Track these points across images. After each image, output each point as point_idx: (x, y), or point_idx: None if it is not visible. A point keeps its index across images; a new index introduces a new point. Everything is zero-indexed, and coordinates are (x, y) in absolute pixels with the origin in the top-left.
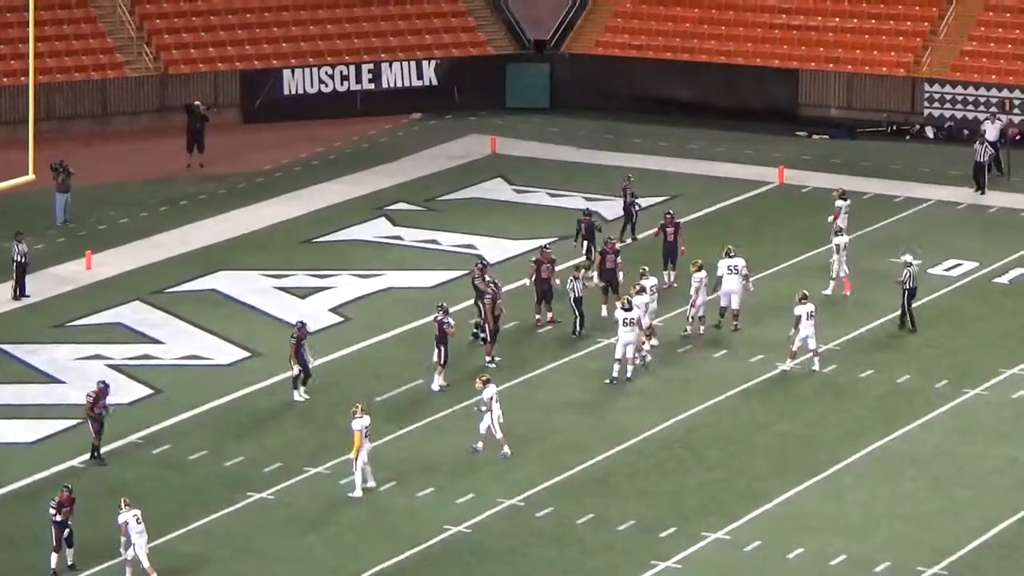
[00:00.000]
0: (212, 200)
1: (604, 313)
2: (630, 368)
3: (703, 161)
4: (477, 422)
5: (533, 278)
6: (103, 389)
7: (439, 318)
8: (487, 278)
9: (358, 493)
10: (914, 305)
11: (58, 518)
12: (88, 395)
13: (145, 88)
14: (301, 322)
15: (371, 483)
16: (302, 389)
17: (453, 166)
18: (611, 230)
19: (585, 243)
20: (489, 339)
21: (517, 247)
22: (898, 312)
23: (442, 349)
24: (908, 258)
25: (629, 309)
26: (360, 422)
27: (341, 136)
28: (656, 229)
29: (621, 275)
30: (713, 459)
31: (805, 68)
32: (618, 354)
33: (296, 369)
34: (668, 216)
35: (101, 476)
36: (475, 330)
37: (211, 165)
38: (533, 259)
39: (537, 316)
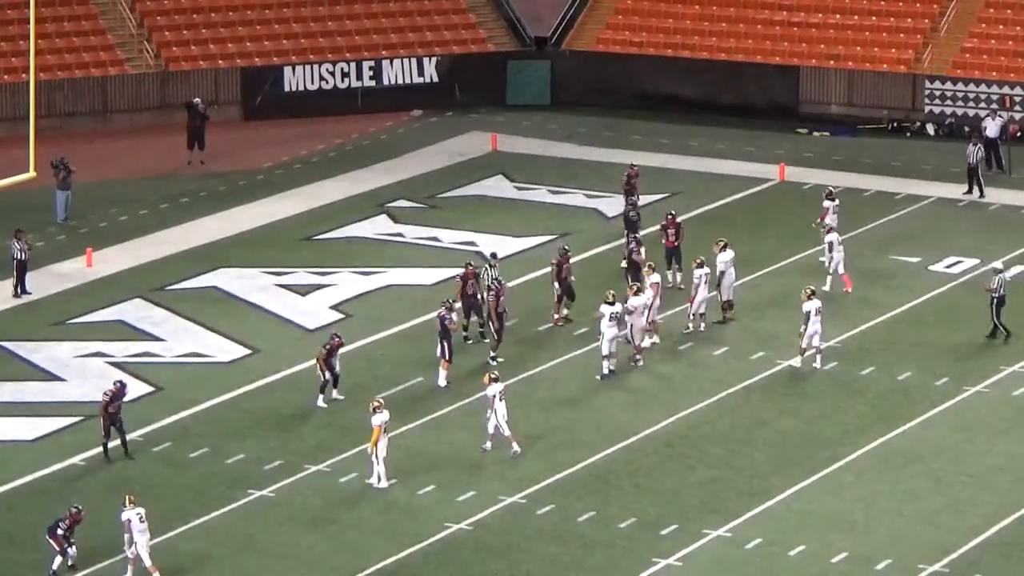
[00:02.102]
0: (213, 197)
1: (632, 302)
2: (613, 361)
3: (704, 158)
4: (485, 421)
5: (556, 278)
6: (120, 388)
7: (442, 313)
8: (471, 281)
9: (383, 484)
10: (915, 302)
11: (61, 533)
12: (105, 393)
13: (146, 85)
14: (335, 334)
15: (373, 480)
16: (333, 393)
17: (454, 163)
18: (612, 227)
19: (627, 234)
20: (495, 337)
21: (518, 244)
22: (888, 313)
23: (445, 345)
24: (998, 265)
25: (612, 303)
26: (380, 417)
27: (342, 133)
28: (659, 229)
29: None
30: (714, 456)
31: (806, 65)
32: (605, 351)
33: (325, 376)
34: (670, 216)
35: (102, 474)
36: (465, 333)
37: (212, 162)
38: (553, 260)
39: (555, 315)
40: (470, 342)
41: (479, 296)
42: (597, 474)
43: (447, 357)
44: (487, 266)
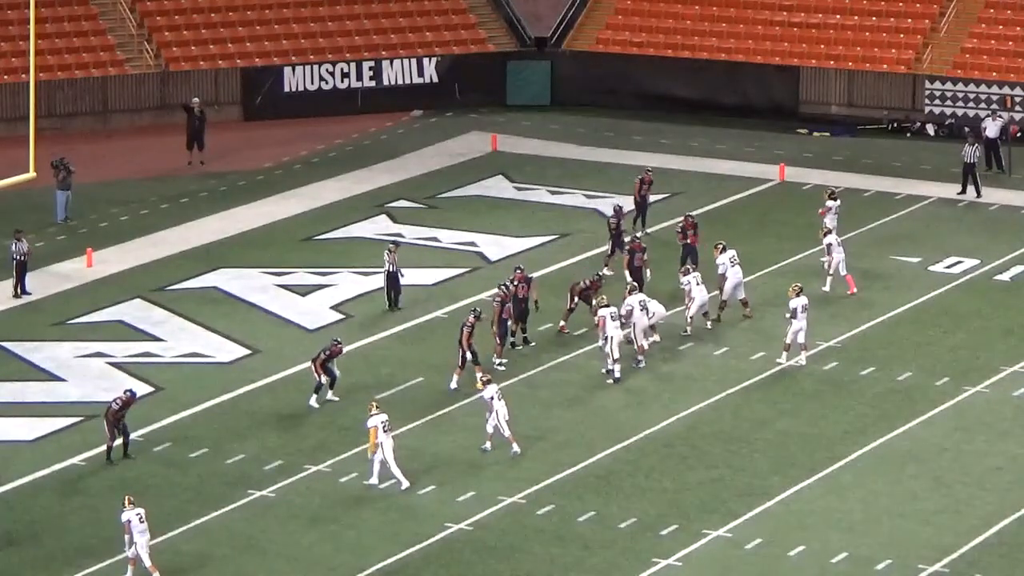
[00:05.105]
0: (213, 197)
1: (624, 311)
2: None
3: (704, 158)
4: (484, 421)
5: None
6: (131, 398)
7: (470, 321)
8: (520, 285)
9: (374, 480)
10: (915, 302)
11: None
12: (116, 400)
13: (146, 86)
14: (336, 339)
15: (373, 479)
16: (328, 394)
17: (454, 163)
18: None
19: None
20: (498, 341)
21: (518, 244)
22: (888, 313)
23: (462, 352)
24: None
25: (607, 306)
26: (376, 418)
27: (342, 133)
28: (679, 234)
29: (648, 272)
30: (714, 457)
31: (806, 65)
32: (616, 354)
33: (323, 379)
34: (688, 219)
35: (102, 474)
36: (512, 339)
37: (212, 163)
38: (627, 247)
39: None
40: (518, 347)
41: (531, 300)
42: (597, 474)
43: (460, 364)
44: (387, 250)
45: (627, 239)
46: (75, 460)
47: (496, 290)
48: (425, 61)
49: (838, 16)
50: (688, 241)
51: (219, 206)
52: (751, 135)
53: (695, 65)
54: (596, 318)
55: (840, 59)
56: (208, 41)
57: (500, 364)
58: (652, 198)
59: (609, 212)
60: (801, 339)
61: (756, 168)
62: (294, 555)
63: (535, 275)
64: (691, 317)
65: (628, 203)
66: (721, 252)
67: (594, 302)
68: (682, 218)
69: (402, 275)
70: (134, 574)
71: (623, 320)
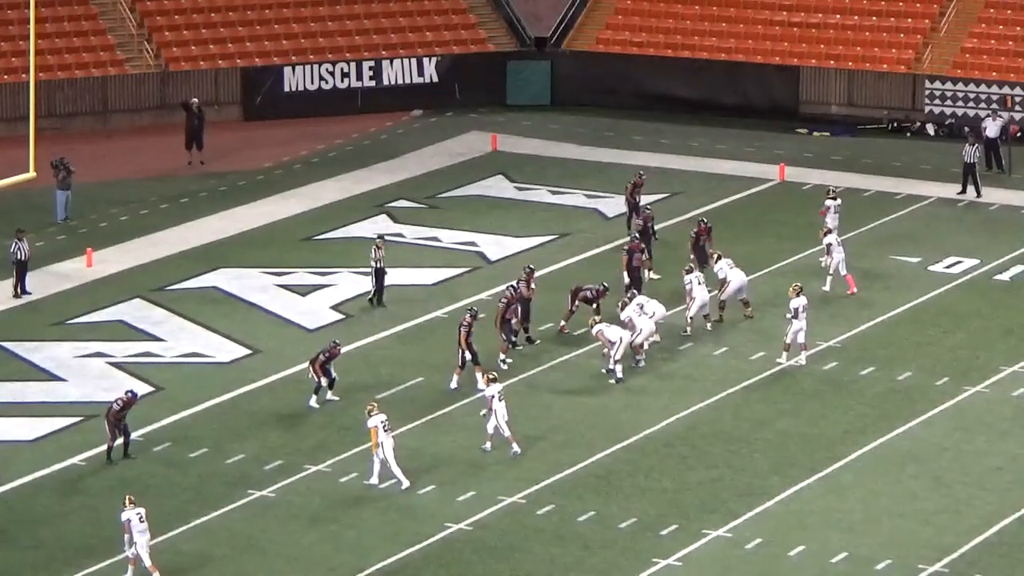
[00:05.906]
0: (213, 197)
1: (624, 314)
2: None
3: (704, 158)
4: (485, 421)
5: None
6: (131, 399)
7: (467, 320)
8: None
9: (374, 480)
10: (915, 302)
11: None
12: (117, 401)
13: (146, 85)
14: (335, 341)
15: (373, 479)
16: (328, 395)
17: (454, 163)
18: (612, 228)
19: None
20: (504, 340)
21: (518, 244)
22: (888, 313)
23: (462, 352)
24: None
25: (600, 321)
26: (376, 418)
27: (342, 133)
28: (692, 238)
29: (647, 273)
30: (714, 457)
31: (806, 65)
32: (619, 355)
33: (323, 380)
34: (702, 224)
35: (102, 474)
36: (514, 338)
37: (212, 162)
38: (625, 247)
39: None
40: (519, 348)
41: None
42: (597, 474)
43: (460, 364)
44: (374, 246)
45: (626, 239)
46: (75, 460)
47: (505, 289)
48: (425, 61)
49: (838, 16)
50: (693, 256)
51: (219, 206)
52: (751, 135)
53: (695, 65)
54: (594, 332)
55: (840, 59)
56: (208, 41)
57: (503, 363)
58: (651, 198)
59: (610, 212)
60: (801, 339)
61: (756, 168)
62: (294, 555)
63: (535, 275)
64: (691, 317)
65: (623, 206)
66: (717, 260)
67: (589, 321)
68: (696, 225)
69: (386, 272)
70: (134, 574)
71: (632, 332)
